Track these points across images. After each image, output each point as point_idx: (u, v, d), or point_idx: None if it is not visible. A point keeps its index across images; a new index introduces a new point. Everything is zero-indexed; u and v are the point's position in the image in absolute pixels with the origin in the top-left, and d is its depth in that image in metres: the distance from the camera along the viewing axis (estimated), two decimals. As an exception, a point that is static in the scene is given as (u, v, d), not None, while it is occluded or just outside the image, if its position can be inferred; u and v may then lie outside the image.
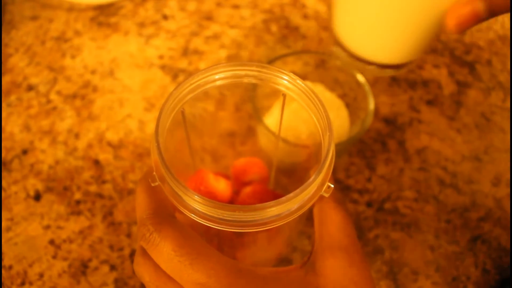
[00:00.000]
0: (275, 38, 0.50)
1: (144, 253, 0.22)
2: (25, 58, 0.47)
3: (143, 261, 0.22)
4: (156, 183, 0.22)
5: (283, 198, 0.20)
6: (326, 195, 0.22)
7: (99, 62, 0.47)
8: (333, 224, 0.24)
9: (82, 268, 0.35)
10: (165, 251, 0.21)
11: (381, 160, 0.42)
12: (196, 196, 0.20)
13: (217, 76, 0.25)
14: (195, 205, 0.21)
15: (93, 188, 0.39)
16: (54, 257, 0.36)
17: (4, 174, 0.39)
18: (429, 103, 0.46)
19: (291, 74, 0.24)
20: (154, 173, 0.22)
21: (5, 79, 0.45)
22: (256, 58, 0.48)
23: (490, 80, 0.49)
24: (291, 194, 0.20)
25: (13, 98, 0.44)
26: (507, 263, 0.38)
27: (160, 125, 0.22)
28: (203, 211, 0.21)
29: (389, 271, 0.37)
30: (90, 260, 0.36)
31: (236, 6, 0.52)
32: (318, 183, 0.22)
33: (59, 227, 0.37)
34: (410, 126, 0.45)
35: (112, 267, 0.35)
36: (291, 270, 0.23)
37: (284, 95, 0.25)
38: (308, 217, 0.29)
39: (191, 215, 0.21)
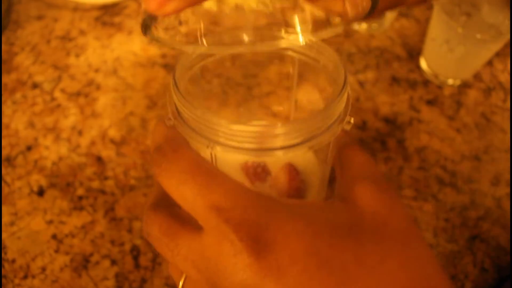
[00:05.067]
0: (277, 38, 0.50)
1: (155, 206, 0.21)
2: (30, 56, 0.47)
3: (153, 213, 0.21)
4: (171, 122, 0.21)
5: (307, 117, 0.20)
6: (348, 127, 0.21)
7: (103, 61, 0.47)
8: (355, 163, 0.22)
9: (83, 263, 0.36)
10: (179, 172, 0.19)
11: (381, 158, 0.42)
12: (222, 121, 0.19)
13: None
14: (211, 132, 0.20)
15: (95, 184, 0.39)
16: (57, 251, 0.36)
17: (8, 169, 0.40)
18: (429, 103, 0.47)
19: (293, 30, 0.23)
20: (170, 114, 0.21)
21: (11, 77, 0.46)
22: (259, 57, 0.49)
23: (490, 81, 0.49)
24: (315, 113, 0.20)
25: (18, 95, 0.44)
26: (506, 262, 0.38)
27: (179, 64, 0.22)
28: (219, 139, 0.20)
29: (387, 269, 0.37)
30: (91, 254, 0.36)
31: (238, 7, 0.53)
32: (339, 111, 0.21)
33: (62, 222, 0.38)
34: (410, 125, 0.45)
35: (113, 262, 0.36)
36: (316, 202, 0.21)
37: (295, 61, 0.25)
38: (331, 179, 0.28)
39: (208, 149, 0.21)
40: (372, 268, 0.18)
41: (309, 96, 0.29)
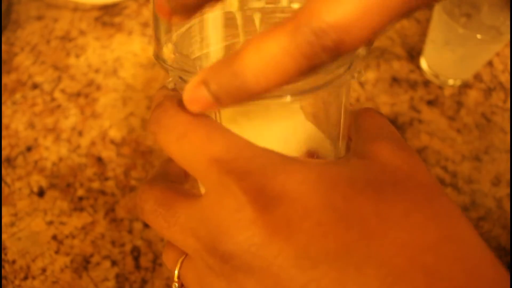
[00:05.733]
0: (277, 38, 0.50)
1: (152, 181, 0.19)
2: (30, 57, 0.47)
3: (149, 188, 0.19)
4: (173, 84, 0.20)
5: None
6: (359, 77, 0.20)
7: (103, 61, 0.47)
8: (373, 125, 0.20)
9: (84, 264, 0.36)
10: (178, 125, 0.17)
11: (381, 159, 0.42)
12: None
13: None
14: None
15: (95, 185, 0.39)
16: (57, 252, 0.36)
17: (8, 170, 0.40)
18: (430, 103, 0.47)
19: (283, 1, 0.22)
20: (171, 78, 0.20)
21: (11, 77, 0.46)
22: (258, 58, 0.49)
23: (491, 81, 0.49)
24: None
25: (18, 96, 0.44)
26: (506, 263, 0.38)
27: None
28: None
29: (388, 269, 0.37)
30: (92, 255, 0.36)
31: (238, 7, 0.53)
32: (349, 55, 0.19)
33: (62, 223, 0.37)
34: (410, 126, 0.45)
35: (114, 263, 0.36)
36: (328, 160, 0.19)
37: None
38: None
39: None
40: (396, 222, 0.16)
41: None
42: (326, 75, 0.19)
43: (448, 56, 0.44)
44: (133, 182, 0.40)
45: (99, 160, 0.41)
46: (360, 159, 0.18)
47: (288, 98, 0.18)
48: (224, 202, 0.16)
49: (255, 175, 0.15)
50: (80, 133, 0.42)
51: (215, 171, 0.16)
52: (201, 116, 0.17)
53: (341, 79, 0.20)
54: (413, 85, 0.48)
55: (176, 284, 0.20)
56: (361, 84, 0.47)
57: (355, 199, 0.16)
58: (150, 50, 0.48)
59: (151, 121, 0.18)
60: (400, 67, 0.49)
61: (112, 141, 0.42)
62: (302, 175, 0.16)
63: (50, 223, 0.37)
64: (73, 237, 0.37)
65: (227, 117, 0.22)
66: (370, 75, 0.48)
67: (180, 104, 0.17)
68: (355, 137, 0.20)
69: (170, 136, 0.17)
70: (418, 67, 0.49)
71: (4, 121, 0.43)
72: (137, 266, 0.36)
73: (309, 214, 0.15)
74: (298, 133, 0.26)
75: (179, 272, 0.19)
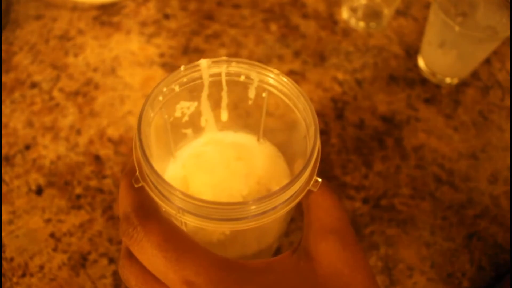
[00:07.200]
0: (275, 37, 0.50)
1: (130, 255, 0.21)
2: (29, 56, 0.48)
3: (129, 263, 0.21)
4: (140, 184, 0.21)
5: (271, 194, 0.20)
6: (314, 189, 0.22)
7: (101, 60, 0.48)
8: (321, 209, 0.23)
9: (81, 261, 0.36)
10: (149, 247, 0.19)
11: (378, 157, 0.42)
12: (180, 194, 0.20)
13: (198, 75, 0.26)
14: (180, 203, 0.20)
15: (93, 183, 0.40)
16: (55, 249, 0.36)
17: (7, 168, 0.40)
18: (427, 101, 0.47)
19: (275, 70, 0.24)
20: (137, 173, 0.22)
21: (9, 76, 0.46)
22: (255, 57, 0.49)
23: (488, 79, 0.49)
24: (278, 190, 0.20)
25: (17, 95, 0.45)
26: (503, 260, 0.38)
27: (142, 123, 0.22)
28: (189, 209, 0.21)
29: (384, 267, 0.37)
30: (89, 253, 0.36)
31: (236, 6, 0.53)
32: (306, 177, 0.22)
33: (60, 221, 0.38)
34: (407, 124, 0.45)
35: (111, 260, 0.36)
36: (283, 258, 0.22)
37: (266, 94, 0.26)
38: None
39: (178, 215, 0.21)
40: None
41: (275, 127, 0.29)
42: (288, 193, 0.21)
43: (445, 54, 0.45)
44: (130, 180, 0.40)
45: (97, 158, 0.41)
46: (308, 262, 0.21)
47: (250, 221, 0.21)
48: None
49: None
50: (78, 132, 0.42)
51: None
52: (170, 234, 0.20)
53: (298, 194, 0.22)
54: (410, 83, 0.48)
55: None
56: (359, 83, 0.47)
57: None
58: (148, 49, 0.49)
59: (121, 232, 0.21)
60: (397, 66, 0.49)
61: (110, 140, 0.42)
62: None
63: (48, 221, 0.38)
64: (71, 234, 0.37)
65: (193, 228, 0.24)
66: (367, 73, 0.48)
67: (148, 220, 0.20)
68: (306, 220, 0.23)
69: (142, 254, 0.20)
70: (416, 66, 0.49)
71: (2, 119, 0.43)
72: (134, 264, 0.36)
73: None
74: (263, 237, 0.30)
75: None
